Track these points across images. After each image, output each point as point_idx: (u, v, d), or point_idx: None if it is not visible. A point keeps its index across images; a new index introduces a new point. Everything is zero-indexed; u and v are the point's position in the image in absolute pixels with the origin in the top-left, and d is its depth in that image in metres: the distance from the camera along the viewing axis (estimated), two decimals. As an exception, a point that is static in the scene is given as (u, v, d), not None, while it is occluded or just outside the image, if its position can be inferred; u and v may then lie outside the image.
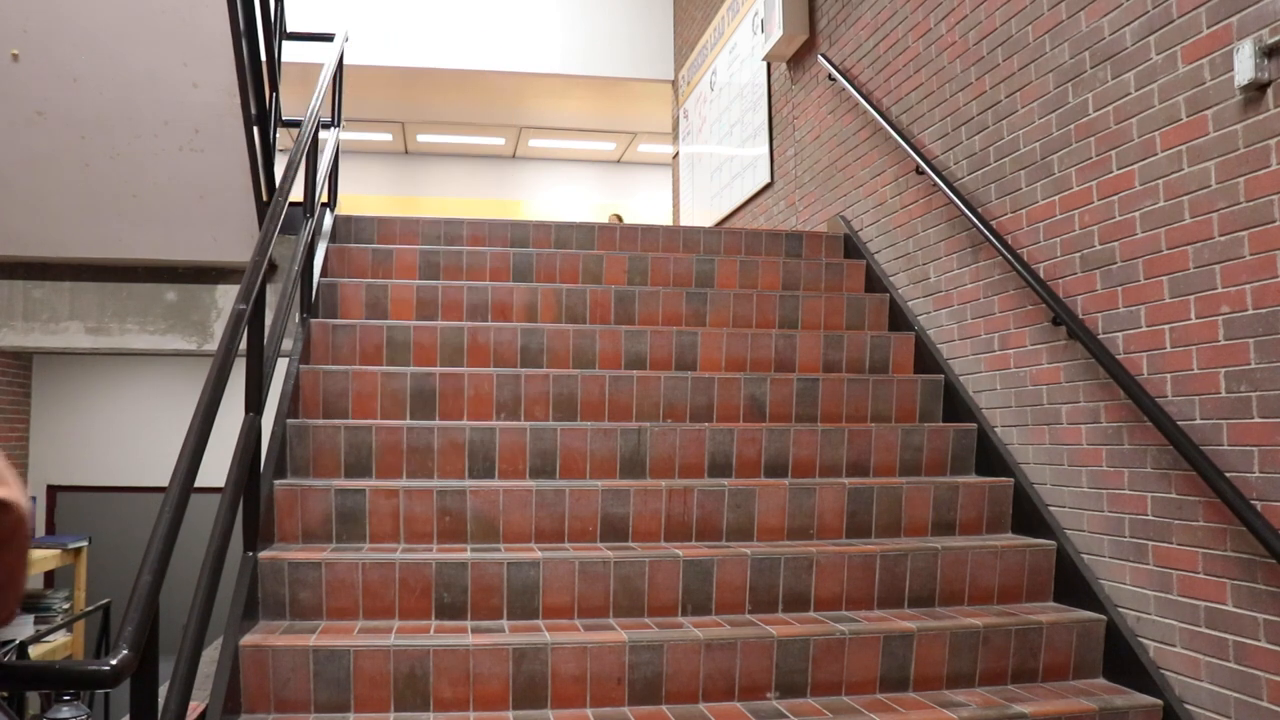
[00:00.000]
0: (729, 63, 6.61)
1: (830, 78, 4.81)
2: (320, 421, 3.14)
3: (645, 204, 12.24)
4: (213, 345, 4.59)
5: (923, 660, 2.59)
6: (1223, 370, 2.35)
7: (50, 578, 7.32)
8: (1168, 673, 2.50)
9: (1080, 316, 2.86)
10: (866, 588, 2.83)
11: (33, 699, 4.71)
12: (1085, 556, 2.85)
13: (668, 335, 3.77)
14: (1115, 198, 2.74)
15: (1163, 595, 2.53)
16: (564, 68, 8.56)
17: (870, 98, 4.35)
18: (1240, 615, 2.27)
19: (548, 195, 12.55)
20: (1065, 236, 2.96)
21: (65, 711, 2.66)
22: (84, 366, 8.70)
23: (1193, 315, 2.45)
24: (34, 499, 7.59)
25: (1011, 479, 3.18)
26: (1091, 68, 2.86)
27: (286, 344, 3.48)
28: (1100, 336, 2.78)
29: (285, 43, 4.73)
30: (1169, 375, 2.52)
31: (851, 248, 4.57)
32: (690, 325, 4.02)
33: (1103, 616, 2.70)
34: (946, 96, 3.72)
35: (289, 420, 3.13)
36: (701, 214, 7.17)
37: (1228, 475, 2.27)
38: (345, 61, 5.01)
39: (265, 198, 4.15)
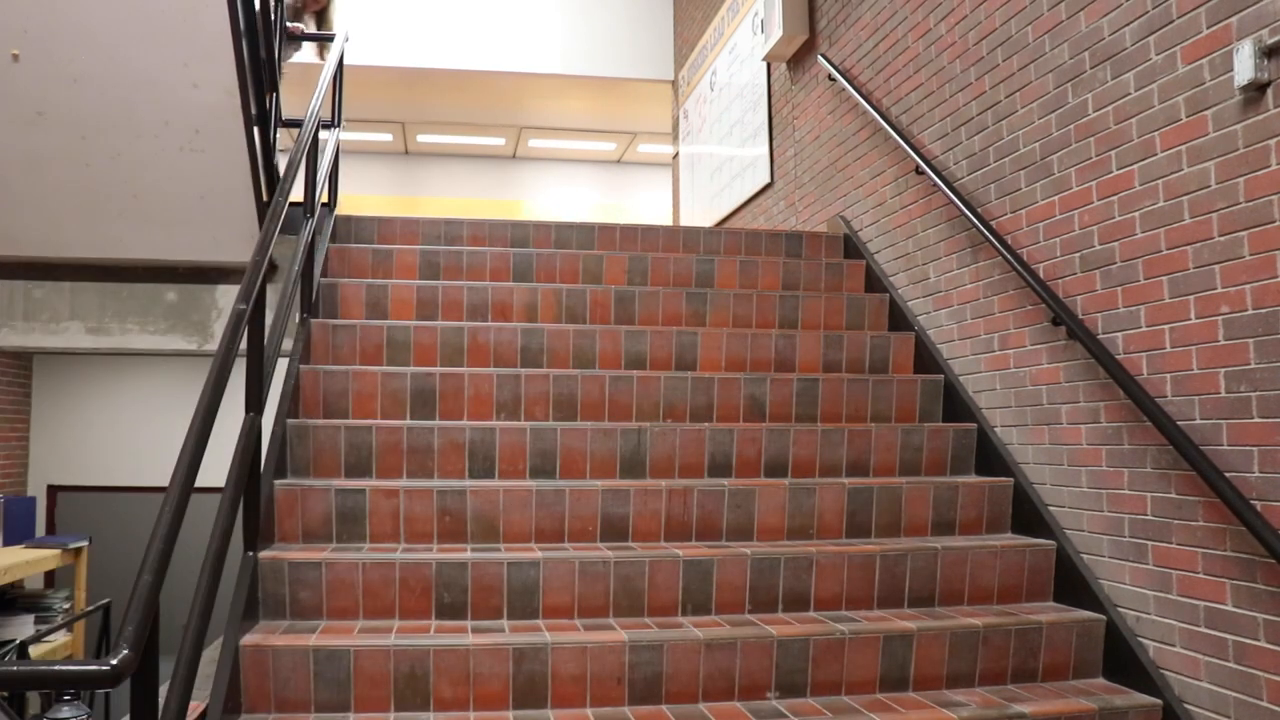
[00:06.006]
0: (729, 63, 6.61)
1: (830, 78, 4.81)
2: (320, 421, 3.14)
3: (645, 204, 12.22)
4: (213, 345, 4.59)
5: (922, 660, 2.59)
6: (1222, 370, 2.35)
7: (50, 578, 7.31)
8: (1167, 672, 2.50)
9: (1080, 316, 2.86)
10: (866, 587, 2.83)
11: (33, 699, 4.71)
12: (1085, 556, 2.85)
13: (668, 335, 3.77)
14: (1115, 198, 2.74)
15: (1162, 595, 2.53)
16: (564, 68, 8.55)
17: (870, 98, 4.35)
18: (1240, 615, 2.27)
19: (548, 195, 12.53)
20: (1065, 236, 2.96)
21: (65, 711, 2.65)
22: (84, 366, 8.69)
23: (1193, 315, 2.45)
24: (33, 499, 7.58)
25: (1011, 479, 3.19)
26: (1091, 68, 2.86)
27: (286, 344, 3.48)
28: (1100, 336, 2.78)
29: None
30: (1169, 375, 2.52)
31: (851, 248, 4.57)
32: (690, 325, 4.02)
33: (1102, 616, 2.70)
34: (946, 96, 3.72)
35: (289, 420, 3.13)
36: (701, 214, 7.17)
37: (1227, 475, 2.28)
38: (345, 62, 5.01)
39: (265, 198, 4.15)
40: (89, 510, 8.52)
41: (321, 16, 5.46)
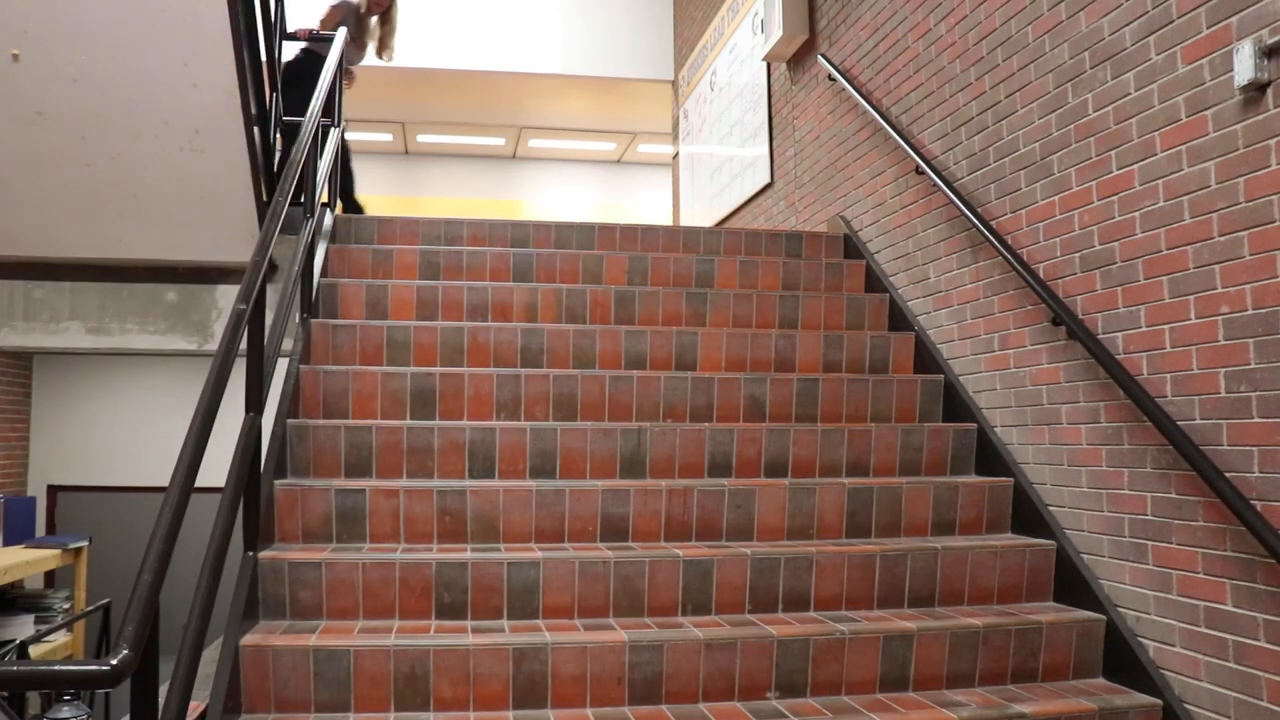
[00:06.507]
0: (729, 63, 6.61)
1: (830, 78, 4.81)
2: (320, 421, 3.14)
3: (645, 204, 12.23)
4: (213, 345, 4.59)
5: (923, 660, 2.59)
6: (1222, 370, 2.35)
7: (50, 578, 7.31)
8: (1167, 672, 2.50)
9: (1080, 316, 2.86)
10: (866, 587, 2.83)
11: (33, 699, 4.71)
12: (1085, 556, 2.85)
13: (668, 335, 3.77)
14: (1115, 198, 2.74)
15: (1162, 595, 2.53)
16: (564, 68, 8.55)
17: (870, 98, 4.35)
18: (1240, 615, 2.27)
19: (548, 195, 12.53)
20: (1065, 236, 2.96)
21: (65, 711, 2.66)
22: (84, 366, 8.69)
23: (1193, 315, 2.45)
24: (33, 499, 7.58)
25: (1011, 479, 3.19)
26: (1091, 68, 2.86)
27: (286, 344, 3.48)
28: (1100, 336, 2.78)
29: (285, 43, 4.73)
30: (1169, 375, 2.52)
31: (851, 248, 4.57)
32: (690, 325, 4.02)
33: (1102, 616, 2.70)
34: (946, 96, 3.72)
35: (289, 420, 3.13)
36: (701, 214, 7.17)
37: (1227, 475, 2.28)
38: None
39: (265, 198, 4.15)
40: (89, 510, 8.52)
41: (385, 16, 5.55)
